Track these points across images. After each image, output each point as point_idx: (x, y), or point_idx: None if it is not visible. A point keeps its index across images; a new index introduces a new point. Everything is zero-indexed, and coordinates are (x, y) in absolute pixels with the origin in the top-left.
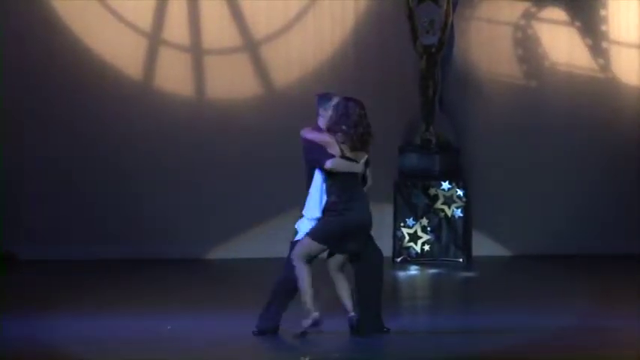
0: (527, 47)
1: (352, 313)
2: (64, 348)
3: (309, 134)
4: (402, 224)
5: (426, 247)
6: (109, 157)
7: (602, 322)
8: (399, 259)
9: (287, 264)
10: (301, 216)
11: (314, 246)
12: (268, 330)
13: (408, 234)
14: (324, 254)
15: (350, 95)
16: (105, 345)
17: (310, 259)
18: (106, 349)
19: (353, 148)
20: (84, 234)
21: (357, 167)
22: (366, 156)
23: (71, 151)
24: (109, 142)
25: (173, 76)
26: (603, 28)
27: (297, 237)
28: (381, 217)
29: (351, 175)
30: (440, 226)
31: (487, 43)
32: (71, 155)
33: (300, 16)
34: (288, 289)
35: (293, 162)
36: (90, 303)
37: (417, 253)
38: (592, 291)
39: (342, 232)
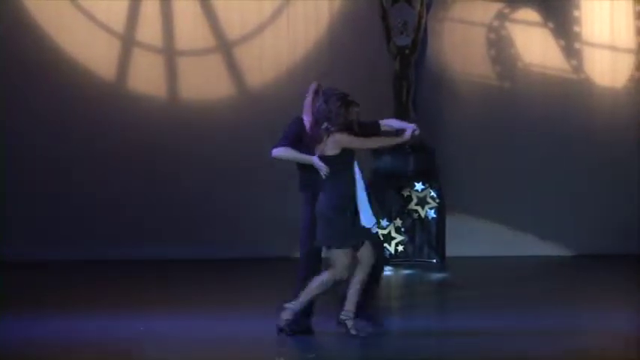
0: (500, 48)
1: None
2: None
3: None
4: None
5: (400, 248)
6: (81, 158)
7: (576, 323)
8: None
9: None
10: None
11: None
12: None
13: (382, 235)
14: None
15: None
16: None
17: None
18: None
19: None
20: (60, 235)
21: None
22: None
23: (43, 152)
24: (81, 143)
25: (146, 77)
26: (576, 29)
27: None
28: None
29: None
30: (414, 226)
31: (461, 44)
32: (43, 156)
33: (274, 16)
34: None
35: (267, 162)
36: (71, 304)
37: (390, 253)
38: (570, 291)
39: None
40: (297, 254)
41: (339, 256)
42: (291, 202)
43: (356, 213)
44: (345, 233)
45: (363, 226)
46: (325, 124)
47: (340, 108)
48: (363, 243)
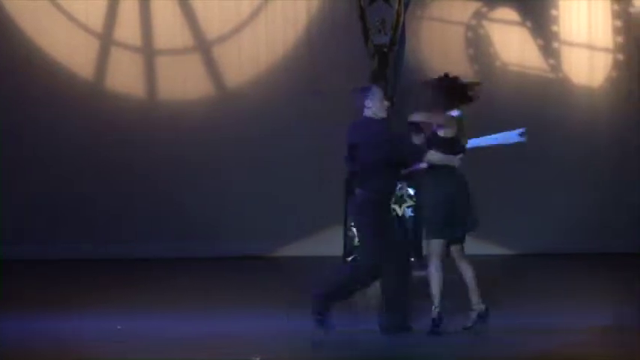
0: (478, 47)
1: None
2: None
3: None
4: (352, 224)
5: None
6: (58, 156)
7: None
8: (349, 259)
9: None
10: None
11: None
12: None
13: None
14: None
15: (302, 96)
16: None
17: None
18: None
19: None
20: (36, 234)
21: None
22: None
23: (20, 152)
24: (59, 143)
25: (125, 77)
26: (554, 28)
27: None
28: (333, 216)
29: None
30: None
31: (439, 42)
32: (20, 155)
33: (252, 16)
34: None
35: (245, 160)
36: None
37: None
38: (541, 290)
39: None
40: (280, 253)
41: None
42: (272, 201)
43: None
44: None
45: None
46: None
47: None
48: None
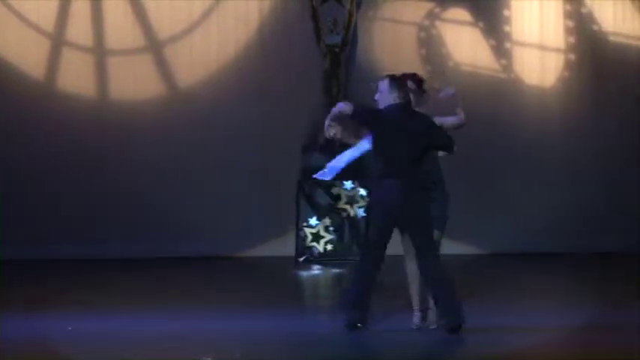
0: (430, 47)
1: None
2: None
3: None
4: (304, 224)
5: (329, 247)
6: (8, 157)
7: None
8: (301, 259)
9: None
10: None
11: None
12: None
13: (311, 233)
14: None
15: (254, 96)
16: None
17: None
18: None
19: None
20: None
21: None
22: None
23: None
24: (12, 143)
25: (76, 77)
26: (506, 28)
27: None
28: (284, 216)
29: None
30: (343, 225)
31: (391, 42)
32: None
33: (204, 16)
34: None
35: (196, 160)
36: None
37: (319, 252)
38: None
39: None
40: (230, 253)
41: None
42: (226, 201)
43: None
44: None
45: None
46: None
47: None
48: None
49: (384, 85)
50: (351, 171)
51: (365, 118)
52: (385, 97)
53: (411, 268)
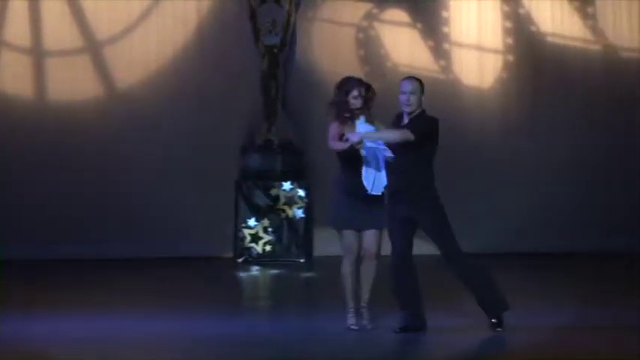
0: (369, 48)
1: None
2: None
3: None
4: (243, 225)
5: (268, 248)
6: None
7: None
8: (240, 260)
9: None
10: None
11: None
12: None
13: (250, 234)
14: None
15: (190, 96)
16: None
17: None
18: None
19: None
20: None
21: None
22: None
23: None
24: None
25: (13, 78)
26: (445, 29)
27: None
28: (223, 217)
29: None
30: (281, 226)
31: (329, 43)
32: None
33: (142, 16)
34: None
35: (135, 161)
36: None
37: (258, 253)
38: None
39: None
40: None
41: None
42: (158, 202)
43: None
44: None
45: None
46: None
47: None
48: None
49: (414, 85)
50: (290, 172)
51: (433, 129)
52: (420, 98)
53: (345, 268)
